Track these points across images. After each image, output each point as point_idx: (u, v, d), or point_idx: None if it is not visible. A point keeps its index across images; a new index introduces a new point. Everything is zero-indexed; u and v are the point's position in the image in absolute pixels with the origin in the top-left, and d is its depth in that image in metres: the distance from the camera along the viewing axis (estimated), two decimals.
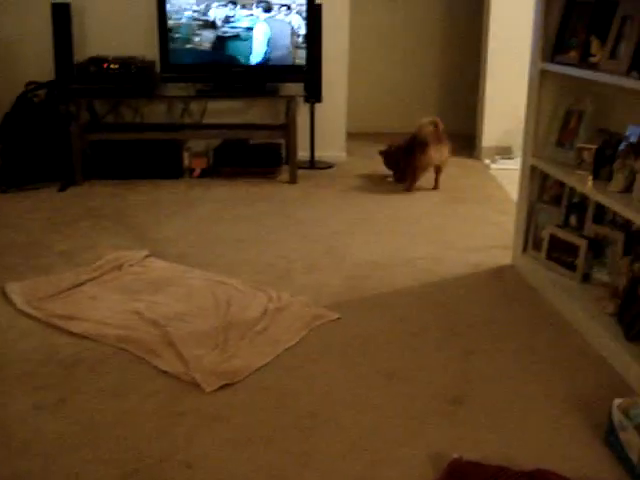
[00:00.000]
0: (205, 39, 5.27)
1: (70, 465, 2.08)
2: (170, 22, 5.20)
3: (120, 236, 4.07)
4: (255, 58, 5.32)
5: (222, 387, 2.49)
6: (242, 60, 5.33)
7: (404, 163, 5.16)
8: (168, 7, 5.18)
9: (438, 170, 5.17)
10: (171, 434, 2.23)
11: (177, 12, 5.19)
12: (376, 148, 5.60)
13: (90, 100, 5.46)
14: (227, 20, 5.24)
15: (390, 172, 5.43)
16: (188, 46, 5.27)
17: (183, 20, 5.21)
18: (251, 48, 5.31)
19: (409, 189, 5.12)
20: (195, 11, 5.20)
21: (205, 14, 5.21)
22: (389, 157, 5.36)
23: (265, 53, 5.32)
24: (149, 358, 2.69)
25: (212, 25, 5.24)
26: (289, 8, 5.23)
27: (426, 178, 5.15)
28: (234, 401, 2.42)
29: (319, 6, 5.44)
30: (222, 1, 5.20)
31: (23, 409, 2.36)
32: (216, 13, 5.22)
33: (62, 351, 2.75)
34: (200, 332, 2.88)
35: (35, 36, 5.49)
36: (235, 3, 5.20)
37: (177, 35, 5.22)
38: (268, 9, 5.23)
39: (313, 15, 5.29)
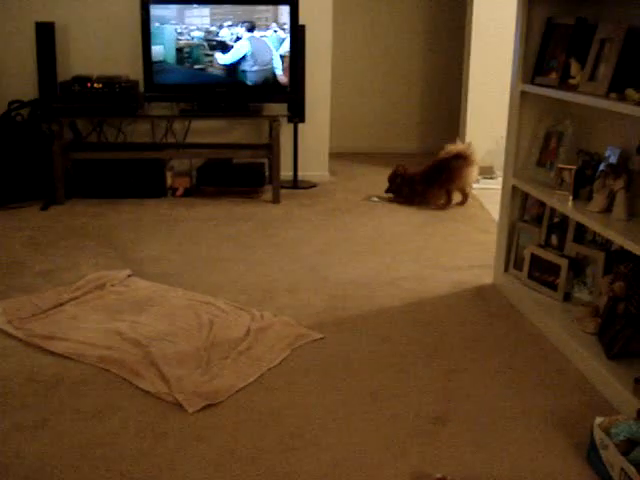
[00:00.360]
0: (190, 59, 5.29)
1: None
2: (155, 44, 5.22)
3: (102, 255, 4.06)
4: (238, 78, 5.34)
5: (205, 407, 2.48)
6: (225, 80, 5.35)
7: (427, 185, 5.25)
8: (153, 28, 5.20)
9: (467, 187, 5.35)
10: (153, 455, 2.22)
11: (163, 32, 5.22)
12: (359, 168, 5.63)
13: (73, 119, 5.46)
14: (210, 39, 5.26)
15: (376, 193, 5.52)
16: (172, 65, 5.28)
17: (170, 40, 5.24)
18: (235, 68, 5.33)
19: (444, 208, 5.25)
20: (180, 32, 5.22)
21: (190, 35, 5.24)
22: (402, 180, 5.37)
23: (248, 73, 5.34)
24: (131, 378, 2.68)
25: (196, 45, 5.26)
26: (271, 28, 5.26)
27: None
28: (217, 422, 2.41)
29: (302, 27, 5.48)
30: (207, 22, 5.22)
31: (3, 430, 2.34)
32: (200, 33, 5.24)
33: (43, 371, 2.73)
34: (183, 352, 2.87)
35: (19, 55, 5.50)
36: (222, 24, 5.23)
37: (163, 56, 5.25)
38: (251, 28, 5.26)
39: (296, 36, 5.33)
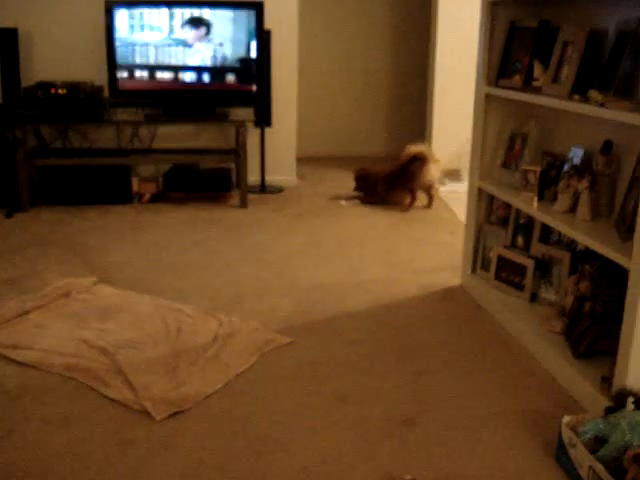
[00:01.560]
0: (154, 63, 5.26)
1: None
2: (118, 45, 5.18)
3: (68, 263, 4.01)
4: (204, 82, 5.32)
5: (173, 415, 2.46)
6: (191, 84, 5.32)
7: (389, 187, 5.37)
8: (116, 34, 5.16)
9: (431, 188, 5.37)
10: (121, 463, 2.19)
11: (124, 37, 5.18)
12: (326, 172, 5.63)
13: (37, 125, 5.40)
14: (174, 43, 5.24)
15: (344, 195, 5.58)
16: (136, 70, 5.25)
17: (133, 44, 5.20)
18: (200, 72, 5.31)
19: (407, 209, 5.31)
20: (142, 36, 5.19)
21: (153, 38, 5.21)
22: (365, 181, 5.50)
23: (214, 77, 5.32)
24: (97, 386, 2.64)
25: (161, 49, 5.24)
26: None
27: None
28: (185, 428, 2.39)
29: (268, 32, 5.47)
30: (171, 24, 5.20)
31: None
32: (164, 37, 5.22)
33: (7, 381, 2.69)
34: (150, 359, 2.84)
35: None
36: (190, 25, 5.20)
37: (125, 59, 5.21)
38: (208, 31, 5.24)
39: (262, 40, 5.32)
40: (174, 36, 5.22)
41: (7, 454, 2.23)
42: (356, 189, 5.58)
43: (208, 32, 5.23)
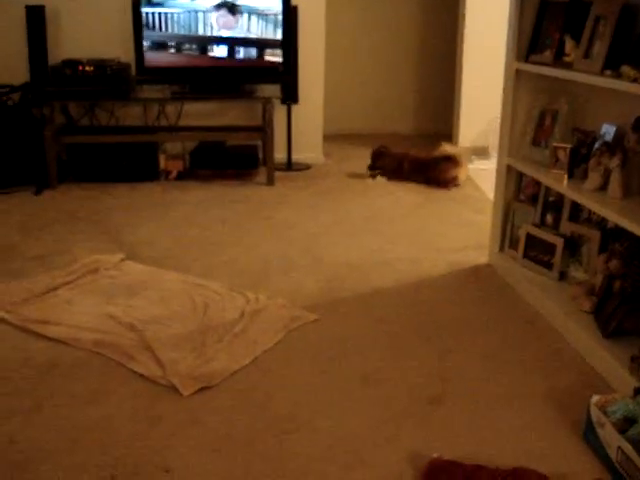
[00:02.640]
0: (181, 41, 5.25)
1: (46, 472, 2.05)
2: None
3: (96, 239, 4.03)
4: (231, 59, 5.31)
5: (199, 390, 2.48)
6: (218, 61, 5.31)
7: (414, 171, 5.42)
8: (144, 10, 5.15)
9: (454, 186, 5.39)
10: (148, 438, 2.21)
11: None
12: (353, 150, 5.62)
13: (65, 103, 5.42)
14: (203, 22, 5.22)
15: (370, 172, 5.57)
16: (163, 47, 5.24)
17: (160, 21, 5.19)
18: (228, 49, 5.29)
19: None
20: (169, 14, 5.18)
21: (183, 17, 5.19)
22: (385, 159, 5.54)
23: (241, 54, 5.30)
24: (125, 362, 2.66)
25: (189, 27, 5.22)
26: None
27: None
28: (211, 404, 2.40)
29: (295, 8, 5.43)
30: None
31: None
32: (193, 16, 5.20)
33: (37, 356, 2.72)
34: (177, 335, 2.86)
35: (9, 39, 5.43)
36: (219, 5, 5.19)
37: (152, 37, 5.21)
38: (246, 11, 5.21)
39: (289, 17, 5.28)
40: (201, 13, 5.20)
41: (36, 429, 2.26)
42: (371, 167, 5.55)
43: (238, 20, 5.21)
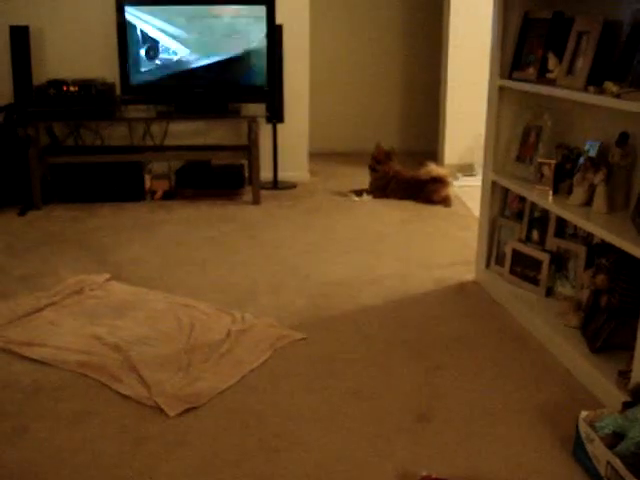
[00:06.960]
0: (166, 60, 5.26)
1: None
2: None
3: (81, 260, 4.01)
4: (216, 78, 5.31)
5: (186, 411, 2.45)
6: (203, 81, 5.31)
7: (399, 191, 5.46)
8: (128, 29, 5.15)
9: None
10: (134, 460, 2.19)
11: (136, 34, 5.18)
12: (339, 168, 5.62)
13: (50, 123, 5.40)
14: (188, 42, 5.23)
15: (357, 190, 5.58)
16: (148, 67, 5.24)
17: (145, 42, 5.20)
18: (212, 68, 5.30)
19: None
20: (154, 33, 5.18)
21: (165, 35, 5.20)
22: (382, 165, 5.56)
23: (226, 74, 5.31)
24: (111, 383, 2.64)
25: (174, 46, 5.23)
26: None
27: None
28: (198, 425, 2.38)
29: (280, 27, 5.45)
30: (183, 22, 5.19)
31: None
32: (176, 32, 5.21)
33: (21, 378, 2.69)
34: (163, 356, 2.84)
35: None
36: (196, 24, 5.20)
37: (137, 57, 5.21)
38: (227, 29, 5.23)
39: (273, 36, 5.30)
40: (185, 33, 5.21)
41: (22, 451, 2.23)
42: (371, 167, 5.57)
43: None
